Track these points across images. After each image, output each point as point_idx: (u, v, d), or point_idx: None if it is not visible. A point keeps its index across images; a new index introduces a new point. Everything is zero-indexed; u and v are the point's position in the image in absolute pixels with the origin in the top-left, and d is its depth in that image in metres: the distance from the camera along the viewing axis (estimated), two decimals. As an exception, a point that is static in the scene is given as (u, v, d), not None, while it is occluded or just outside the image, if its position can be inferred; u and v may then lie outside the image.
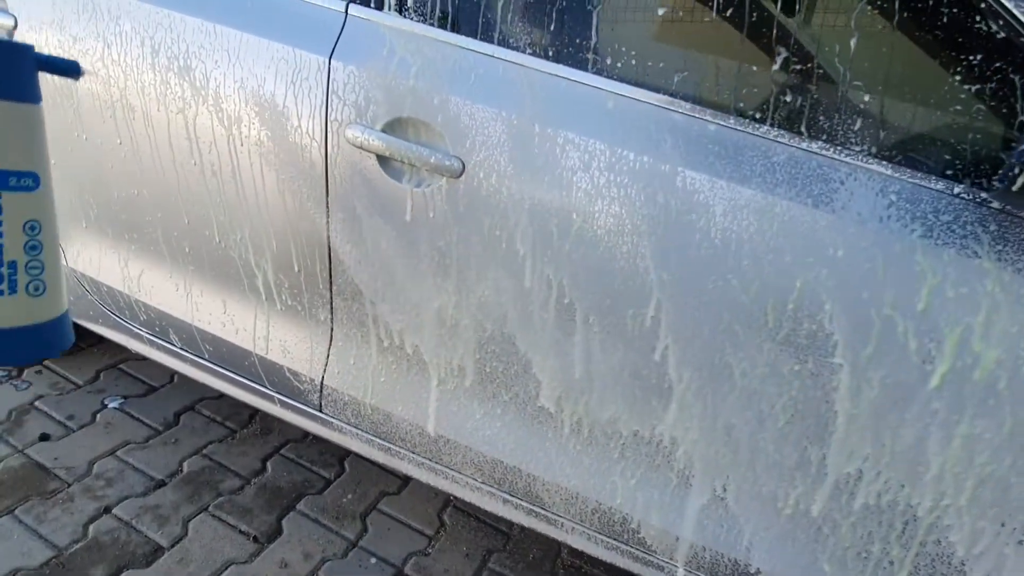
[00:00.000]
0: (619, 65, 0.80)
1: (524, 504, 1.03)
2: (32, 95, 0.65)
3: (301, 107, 0.89)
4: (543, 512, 1.02)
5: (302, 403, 1.15)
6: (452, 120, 0.82)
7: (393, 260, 0.92)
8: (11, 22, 1.06)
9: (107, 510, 1.21)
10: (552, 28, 0.82)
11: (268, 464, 1.42)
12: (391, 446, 1.09)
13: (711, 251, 0.76)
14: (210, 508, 1.27)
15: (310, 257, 0.98)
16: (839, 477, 0.81)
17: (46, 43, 1.04)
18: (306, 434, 1.54)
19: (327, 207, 0.93)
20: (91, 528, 1.16)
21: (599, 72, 0.80)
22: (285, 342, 1.09)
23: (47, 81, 1.05)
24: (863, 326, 0.73)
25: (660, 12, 0.79)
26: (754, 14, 0.76)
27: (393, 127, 0.85)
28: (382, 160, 0.87)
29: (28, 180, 0.64)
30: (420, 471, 1.10)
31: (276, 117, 0.91)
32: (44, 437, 1.35)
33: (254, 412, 1.57)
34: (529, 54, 0.83)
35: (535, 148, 0.80)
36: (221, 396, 1.61)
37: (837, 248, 0.72)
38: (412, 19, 0.87)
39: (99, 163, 1.08)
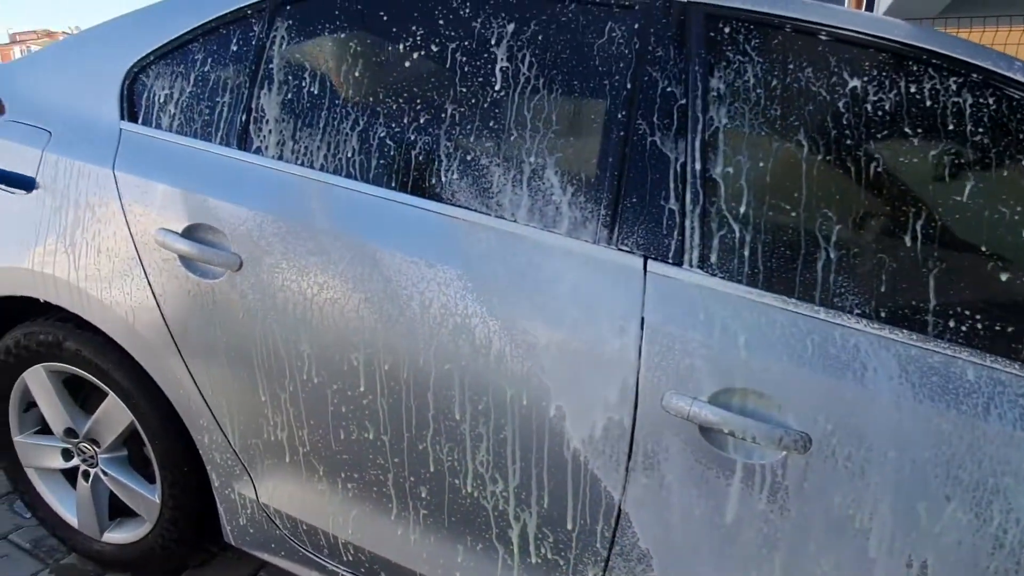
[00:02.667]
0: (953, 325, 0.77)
1: None
2: None
3: (605, 373, 0.83)
4: None
5: (544, 658, 1.02)
6: (796, 394, 0.77)
7: (705, 528, 0.84)
8: (236, 262, 1.00)
9: None
10: (884, 288, 0.79)
11: None
12: None
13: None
14: None
15: (592, 516, 0.89)
16: None
17: (283, 286, 0.98)
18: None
19: (626, 471, 0.85)
20: None
21: (941, 336, 0.77)
22: (536, 596, 0.98)
23: (283, 326, 0.98)
24: None
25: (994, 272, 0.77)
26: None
27: (719, 397, 0.80)
28: (704, 429, 0.81)
29: None
30: None
31: (571, 381, 0.85)
32: None
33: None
34: (857, 314, 0.79)
35: (902, 423, 0.75)
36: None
37: None
38: (718, 276, 0.84)
39: (328, 405, 1.00)
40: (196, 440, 1.14)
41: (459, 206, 0.94)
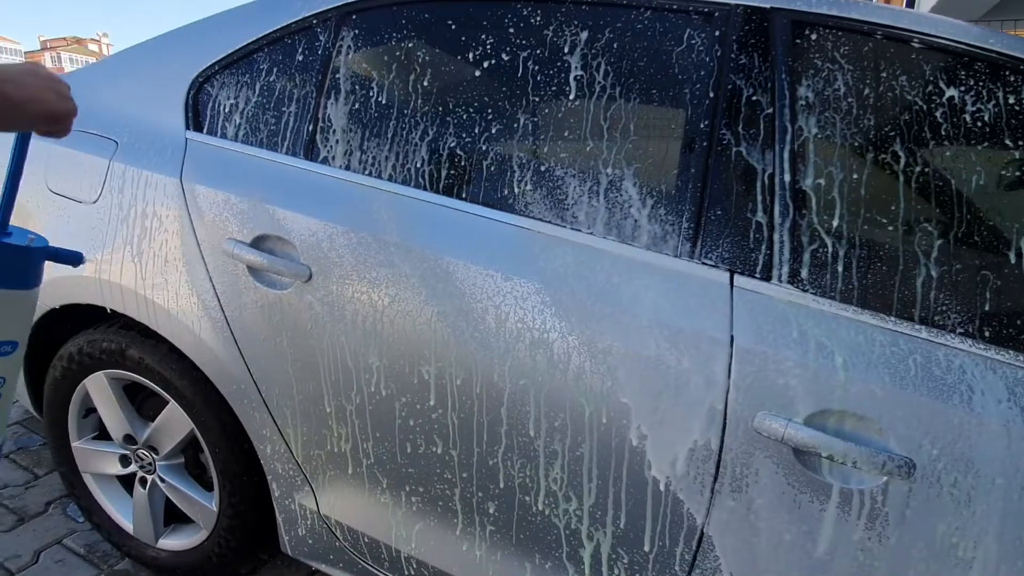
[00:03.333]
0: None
1: None
2: (36, 282, 0.74)
3: (693, 393, 0.81)
4: None
5: None
6: (898, 417, 0.74)
7: (795, 555, 0.81)
8: (306, 272, 1.00)
9: None
10: (988, 307, 0.76)
11: None
12: None
13: None
14: None
15: (672, 538, 0.87)
16: None
17: (352, 297, 0.97)
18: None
19: (712, 492, 0.82)
20: None
21: (1054, 357, 0.73)
22: (607, 617, 0.96)
23: (352, 338, 0.97)
24: None
25: None
26: None
27: (815, 419, 0.77)
28: (798, 452, 0.78)
29: (7, 347, 0.72)
30: None
31: (654, 400, 0.83)
32: None
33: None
34: (960, 333, 0.76)
35: (1011, 449, 0.71)
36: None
37: None
38: (811, 292, 0.81)
39: (395, 418, 0.99)
40: (258, 450, 1.14)
41: (535, 218, 0.92)
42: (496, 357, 0.90)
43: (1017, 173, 0.79)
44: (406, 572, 1.09)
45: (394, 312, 0.95)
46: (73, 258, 0.78)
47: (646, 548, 0.89)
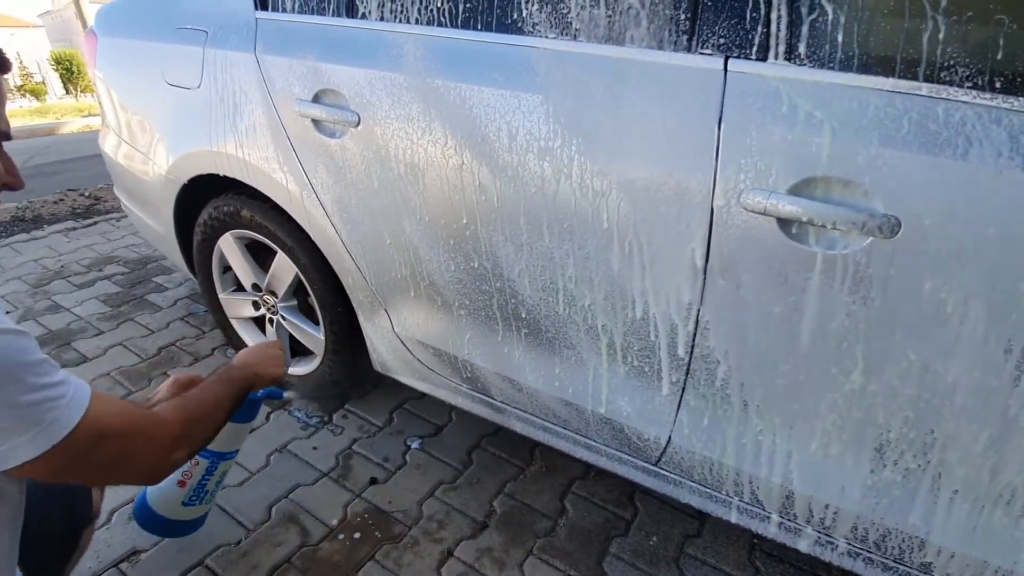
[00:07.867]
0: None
1: (901, 567, 0.93)
2: (252, 418, 1.21)
3: (683, 176, 0.86)
4: (911, 571, 0.91)
5: (637, 458, 1.15)
6: (884, 176, 0.74)
7: (786, 325, 0.86)
8: (355, 119, 1.16)
9: (450, 553, 1.32)
10: (1001, 54, 0.70)
11: (566, 503, 1.46)
12: (747, 506, 1.05)
13: None
14: (534, 551, 1.32)
15: (672, 323, 0.96)
16: None
17: (393, 135, 1.12)
18: (588, 470, 1.56)
19: (705, 274, 0.89)
20: (443, 572, 1.27)
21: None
22: (625, 401, 1.09)
23: (396, 172, 1.14)
24: None
25: None
26: None
27: (800, 188, 0.79)
28: (782, 223, 0.81)
29: (232, 454, 1.22)
30: (780, 532, 1.04)
31: (651, 189, 0.89)
32: (373, 481, 1.50)
33: (533, 447, 1.63)
34: (973, 87, 0.72)
35: (1008, 200, 0.69)
36: (498, 431, 1.69)
37: None
38: (807, 67, 0.80)
39: (439, 240, 1.16)
40: (343, 282, 1.39)
41: (540, 36, 0.98)
42: (511, 170, 1.00)
43: None
44: (464, 375, 1.30)
45: (426, 143, 1.08)
46: (276, 395, 1.19)
47: (652, 336, 0.99)
